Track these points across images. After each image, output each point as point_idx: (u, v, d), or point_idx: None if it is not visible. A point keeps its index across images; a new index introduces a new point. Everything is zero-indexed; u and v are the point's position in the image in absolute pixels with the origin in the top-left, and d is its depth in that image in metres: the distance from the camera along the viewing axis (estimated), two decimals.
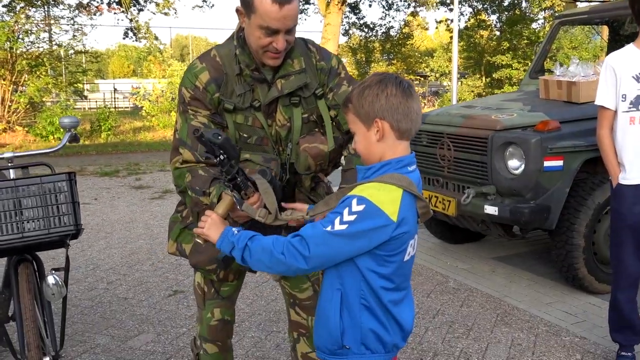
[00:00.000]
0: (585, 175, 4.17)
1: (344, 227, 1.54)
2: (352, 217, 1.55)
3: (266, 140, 2.12)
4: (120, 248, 5.55)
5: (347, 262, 1.61)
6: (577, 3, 6.01)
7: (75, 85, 21.25)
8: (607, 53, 5.03)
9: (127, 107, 31.18)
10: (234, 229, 1.69)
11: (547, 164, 3.89)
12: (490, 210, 4.03)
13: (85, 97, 25.64)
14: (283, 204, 1.93)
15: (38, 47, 19.77)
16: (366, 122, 1.66)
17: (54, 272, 2.38)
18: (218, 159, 1.71)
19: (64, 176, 2.38)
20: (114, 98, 34.11)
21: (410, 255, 1.69)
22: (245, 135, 2.10)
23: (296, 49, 2.13)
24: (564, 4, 18.87)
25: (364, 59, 30.12)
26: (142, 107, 20.42)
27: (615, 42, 5.77)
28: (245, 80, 2.08)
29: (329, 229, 1.56)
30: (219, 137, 1.68)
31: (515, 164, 3.99)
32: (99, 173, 10.21)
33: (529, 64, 24.59)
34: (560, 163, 3.93)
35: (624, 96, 2.92)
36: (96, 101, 31.06)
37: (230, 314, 2.38)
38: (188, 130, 2.04)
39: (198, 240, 1.82)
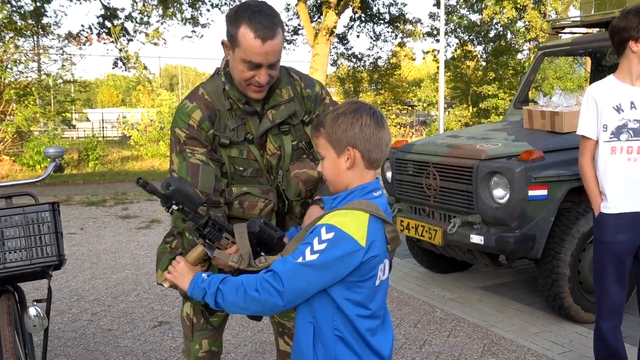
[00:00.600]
0: (570, 205, 4.21)
1: (314, 257, 1.55)
2: (323, 246, 1.56)
3: (261, 172, 2.14)
4: (106, 278, 5.50)
5: (319, 294, 1.62)
6: (560, 35, 6.10)
7: (64, 114, 21.26)
8: (590, 83, 5.12)
9: (116, 137, 31.15)
10: (204, 275, 1.69)
11: (531, 193, 3.93)
12: (476, 239, 4.04)
13: (74, 127, 25.60)
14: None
15: (26, 76, 19.81)
16: (337, 149, 1.68)
17: (35, 303, 2.35)
18: (171, 209, 1.73)
19: (47, 206, 2.37)
20: (103, 127, 34.09)
21: (381, 280, 1.70)
22: (240, 168, 2.12)
23: (282, 78, 2.17)
24: (547, 35, 19.20)
25: (352, 89, 30.34)
26: (130, 136, 20.40)
27: (598, 73, 5.87)
28: (237, 114, 2.11)
29: (300, 260, 1.57)
30: (169, 188, 1.69)
31: (500, 193, 4.02)
32: (85, 202, 10.15)
33: (515, 93, 24.92)
34: (544, 192, 3.96)
35: (605, 126, 2.96)
36: (84, 130, 31.03)
37: (218, 345, 2.37)
38: (187, 168, 2.03)
39: (164, 285, 1.81)
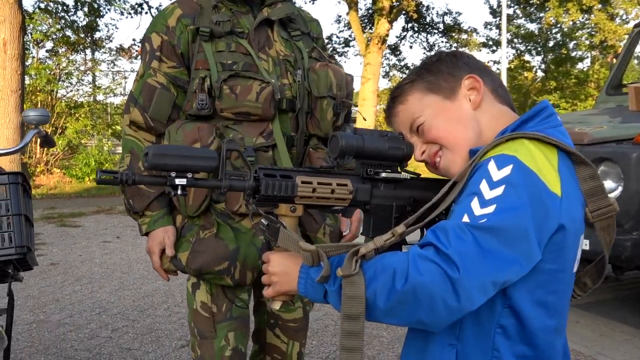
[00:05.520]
0: None
1: (490, 209, 0.90)
2: (500, 190, 0.92)
3: (255, 68, 1.75)
4: (135, 290, 4.86)
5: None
6: None
7: (114, 127, 21.20)
8: None
9: None
10: (322, 262, 0.98)
11: None
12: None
13: None
14: None
15: (77, 89, 19.85)
16: (447, 89, 1.13)
17: None
18: (178, 187, 1.04)
19: (5, 177, 1.69)
20: None
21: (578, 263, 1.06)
22: (229, 62, 1.73)
23: None
24: (616, 35, 18.01)
25: None
26: None
27: None
28: (224, 14, 1.81)
29: (466, 219, 0.91)
30: (147, 155, 1.02)
31: (610, 186, 3.20)
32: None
33: (577, 103, 23.66)
34: None
35: None
36: None
37: (245, 343, 1.84)
38: (142, 88, 1.75)
39: (274, 308, 1.15)
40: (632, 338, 3.59)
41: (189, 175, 1.03)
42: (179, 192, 1.03)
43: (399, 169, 1.17)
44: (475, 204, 0.92)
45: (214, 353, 1.76)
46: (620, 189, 3.15)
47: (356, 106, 2.05)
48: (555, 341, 1.02)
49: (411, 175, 1.18)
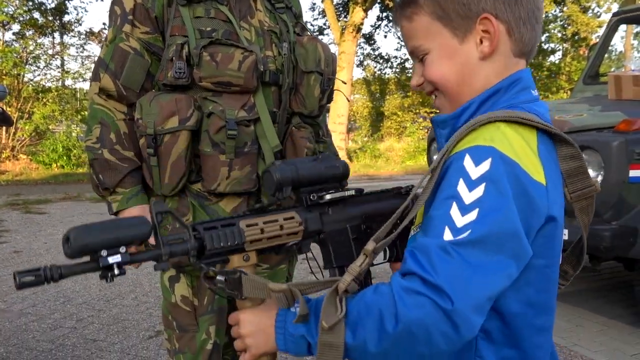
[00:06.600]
0: None
1: (472, 216, 0.80)
2: (480, 190, 0.81)
3: (235, 36, 1.64)
4: None
5: None
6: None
7: (83, 113, 20.76)
8: None
9: None
10: (295, 307, 0.90)
11: (633, 173, 3.04)
12: None
13: None
14: None
15: (45, 74, 19.37)
16: (459, 26, 0.95)
17: None
18: (111, 271, 0.87)
19: None
20: None
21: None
22: (208, 29, 1.61)
23: None
24: (589, 27, 18.16)
25: (378, 91, 29.51)
26: None
27: None
28: None
29: (448, 237, 0.81)
30: (68, 240, 0.84)
31: (591, 174, 3.14)
32: (95, 199, 9.42)
33: (549, 95, 23.90)
34: None
35: None
36: None
37: (223, 337, 1.72)
38: (113, 53, 1.61)
39: None
40: (608, 329, 3.57)
41: (122, 249, 0.87)
42: (116, 271, 0.87)
43: (340, 189, 1.14)
44: (455, 211, 0.82)
45: (196, 347, 1.67)
46: (600, 177, 3.10)
47: (344, 82, 1.98)
48: (544, 340, 0.94)
49: (354, 191, 1.14)
